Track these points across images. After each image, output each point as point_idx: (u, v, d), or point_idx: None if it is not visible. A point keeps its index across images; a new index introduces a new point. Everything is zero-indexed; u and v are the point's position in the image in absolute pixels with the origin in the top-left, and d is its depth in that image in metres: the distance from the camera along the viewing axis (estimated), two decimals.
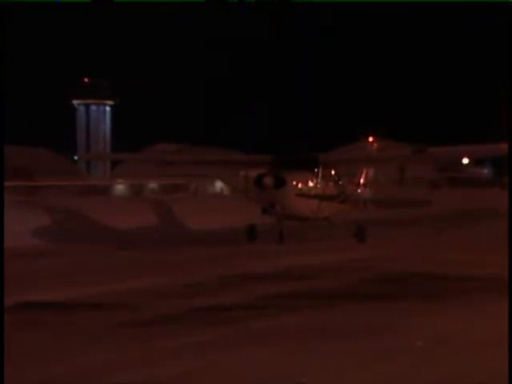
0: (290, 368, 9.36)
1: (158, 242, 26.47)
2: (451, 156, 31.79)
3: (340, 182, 28.18)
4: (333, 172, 27.36)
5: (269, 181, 24.49)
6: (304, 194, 25.61)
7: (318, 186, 26.21)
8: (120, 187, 63.97)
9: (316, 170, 26.25)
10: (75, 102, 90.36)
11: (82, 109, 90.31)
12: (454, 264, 19.55)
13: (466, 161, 47.80)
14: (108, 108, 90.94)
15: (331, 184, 27.04)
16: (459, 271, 18.20)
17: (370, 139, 32.65)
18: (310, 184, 26.02)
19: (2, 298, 13.07)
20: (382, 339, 10.83)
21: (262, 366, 9.51)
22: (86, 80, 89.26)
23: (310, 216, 26.31)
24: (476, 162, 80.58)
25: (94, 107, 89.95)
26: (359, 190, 31.02)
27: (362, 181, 31.23)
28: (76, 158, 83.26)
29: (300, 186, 25.54)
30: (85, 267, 19.73)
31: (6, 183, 32.99)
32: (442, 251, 22.89)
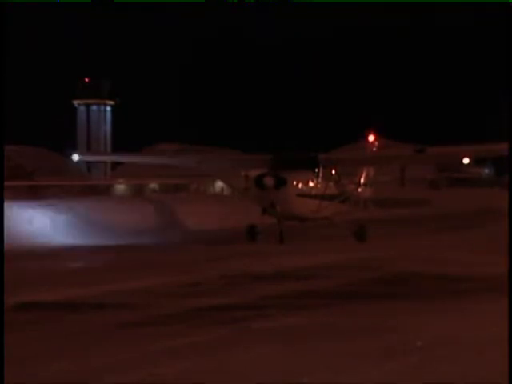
0: (291, 368, 9.36)
1: (158, 241, 26.46)
2: (451, 156, 31.80)
3: (340, 182, 28.19)
4: (333, 172, 27.37)
5: (269, 181, 24.50)
6: (304, 194, 25.63)
7: (319, 185, 26.22)
8: (121, 187, 63.94)
9: (316, 169, 26.27)
10: (76, 102, 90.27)
11: (82, 109, 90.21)
12: (454, 264, 19.55)
13: (466, 161, 47.87)
14: (109, 108, 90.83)
15: (331, 184, 27.04)
16: (459, 271, 18.21)
17: (371, 139, 32.67)
18: (311, 184, 26.04)
19: (2, 298, 13.08)
20: (382, 339, 10.83)
21: (262, 365, 9.51)
22: (86, 80, 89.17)
23: (310, 216, 26.34)
24: (476, 161, 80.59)
25: (94, 107, 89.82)
26: (359, 190, 31.04)
27: (362, 180, 31.24)
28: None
29: (300, 186, 25.56)
30: (85, 267, 19.72)
31: (6, 183, 32.98)
32: (442, 251, 22.88)
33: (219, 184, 60.63)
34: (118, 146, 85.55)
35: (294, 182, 25.26)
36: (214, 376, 9.08)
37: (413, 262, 20.12)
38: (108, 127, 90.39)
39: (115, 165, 78.99)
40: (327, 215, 26.83)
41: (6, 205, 24.84)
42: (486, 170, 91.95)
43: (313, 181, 26.11)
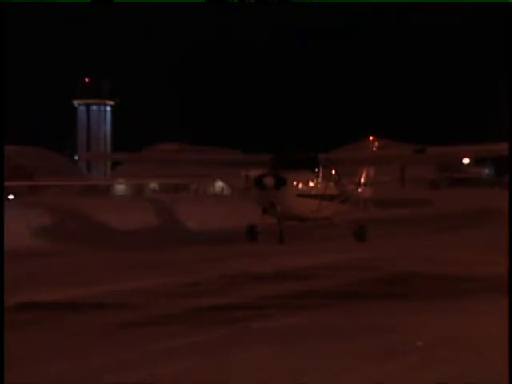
0: (291, 368, 9.36)
1: (158, 241, 26.45)
2: (451, 156, 31.80)
3: (340, 182, 28.17)
4: (333, 172, 27.36)
5: (269, 181, 24.48)
6: (304, 194, 25.62)
7: (319, 185, 26.21)
8: (120, 187, 64.05)
9: (316, 169, 26.26)
10: (76, 102, 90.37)
11: (82, 109, 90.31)
12: (454, 264, 19.54)
13: (466, 161, 47.97)
14: (109, 108, 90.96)
15: (331, 184, 27.02)
16: (459, 271, 18.20)
17: (371, 138, 32.68)
18: (311, 184, 26.02)
19: (2, 298, 13.07)
20: (382, 339, 10.83)
21: (262, 366, 9.51)
22: (86, 80, 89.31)
23: (310, 216, 26.33)
24: (476, 162, 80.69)
25: (94, 107, 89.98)
26: (359, 190, 31.03)
27: (362, 180, 31.22)
28: (76, 157, 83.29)
29: (300, 186, 25.54)
30: (85, 267, 19.72)
31: (6, 183, 32.99)
32: (442, 251, 22.88)
33: (219, 184, 60.71)
34: (118, 146, 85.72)
35: (294, 182, 25.24)
36: (214, 376, 9.07)
37: (413, 262, 20.11)
38: (108, 127, 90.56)
39: (115, 165, 79.09)
40: (327, 215, 26.82)
41: (6, 204, 24.83)
42: (486, 170, 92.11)
43: (313, 181, 26.09)
